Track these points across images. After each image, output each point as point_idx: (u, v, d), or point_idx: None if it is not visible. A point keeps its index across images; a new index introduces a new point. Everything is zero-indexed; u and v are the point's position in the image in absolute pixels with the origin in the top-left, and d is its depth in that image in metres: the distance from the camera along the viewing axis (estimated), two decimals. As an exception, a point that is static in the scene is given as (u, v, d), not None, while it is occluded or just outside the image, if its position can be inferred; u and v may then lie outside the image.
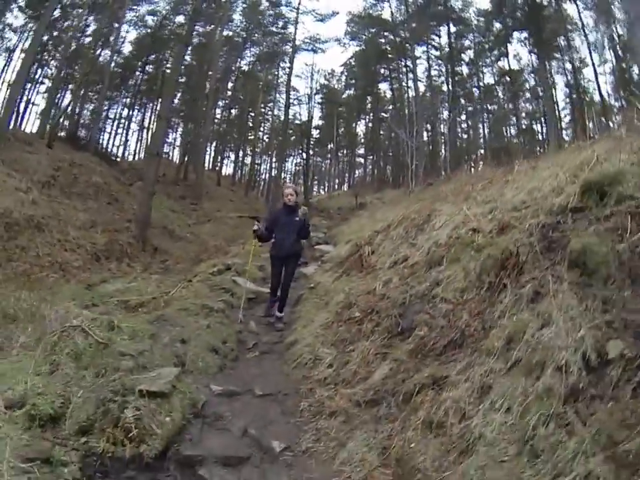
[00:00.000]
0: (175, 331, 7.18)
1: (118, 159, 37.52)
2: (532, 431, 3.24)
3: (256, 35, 46.55)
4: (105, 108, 40.58)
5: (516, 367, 3.90)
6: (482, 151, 48.98)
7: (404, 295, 6.57)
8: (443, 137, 51.08)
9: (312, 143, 56.98)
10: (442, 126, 52.23)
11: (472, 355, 4.57)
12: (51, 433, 4.09)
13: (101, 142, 38.22)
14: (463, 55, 48.45)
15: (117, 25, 37.18)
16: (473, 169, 36.80)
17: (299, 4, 44.74)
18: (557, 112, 41.19)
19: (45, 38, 31.14)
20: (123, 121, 46.04)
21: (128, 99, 45.20)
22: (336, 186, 73.54)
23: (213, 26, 40.18)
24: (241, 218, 26.11)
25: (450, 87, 47.20)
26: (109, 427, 4.26)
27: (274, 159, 58.42)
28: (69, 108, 33.90)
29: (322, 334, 7.41)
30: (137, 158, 45.56)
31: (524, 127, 47.82)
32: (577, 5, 34.96)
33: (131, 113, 46.44)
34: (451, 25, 45.45)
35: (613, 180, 5.13)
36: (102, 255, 15.88)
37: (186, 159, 42.60)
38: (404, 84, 49.76)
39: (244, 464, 4.49)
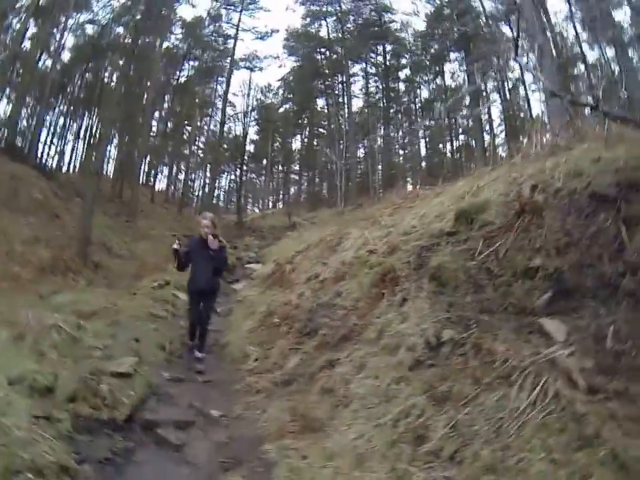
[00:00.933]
0: (129, 333, 9.07)
1: (54, 171, 35.74)
2: (388, 388, 5.08)
3: (196, 49, 47.15)
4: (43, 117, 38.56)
5: (382, 350, 5.83)
6: (419, 168, 50.33)
7: (312, 304, 8.58)
8: (379, 155, 51.40)
9: (246, 158, 57.03)
10: (379, 142, 52.19)
11: (356, 344, 6.54)
12: (47, 400, 5.60)
13: (38, 152, 36.70)
14: (399, 72, 49.86)
15: (56, 31, 36.05)
16: (410, 185, 37.90)
17: (239, 21, 45.78)
18: (491, 129, 42.66)
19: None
20: (58, 130, 42.89)
21: (65, 107, 42.89)
22: (270, 203, 72.40)
23: (152, 37, 39.79)
24: (175, 236, 26.34)
25: (385, 103, 48.72)
26: (89, 396, 5.95)
27: (207, 175, 57.67)
28: (8, 116, 32.16)
29: (249, 337, 9.55)
30: (72, 169, 43.54)
31: (461, 143, 48.70)
32: (511, 28, 36.90)
33: (67, 122, 44.01)
34: (387, 45, 47.15)
35: (480, 208, 6.86)
36: (48, 269, 16.44)
37: (121, 174, 41.48)
38: (340, 100, 50.75)
39: (191, 426, 6.14)
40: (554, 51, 32.55)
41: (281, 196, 71.51)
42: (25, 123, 35.45)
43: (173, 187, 57.75)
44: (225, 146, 54.98)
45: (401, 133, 52.40)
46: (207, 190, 54.60)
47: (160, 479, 5.09)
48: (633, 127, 6.13)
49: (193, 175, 60.54)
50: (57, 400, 5.80)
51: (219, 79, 50.67)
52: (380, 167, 51.33)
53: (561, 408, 3.74)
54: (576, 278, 4.99)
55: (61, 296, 12.29)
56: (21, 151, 31.27)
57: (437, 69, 46.11)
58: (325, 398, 5.90)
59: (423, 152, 52.63)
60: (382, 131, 48.51)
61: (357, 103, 53.58)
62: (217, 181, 55.90)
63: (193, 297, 9.08)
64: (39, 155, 36.62)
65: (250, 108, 54.95)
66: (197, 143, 57.10)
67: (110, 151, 47.10)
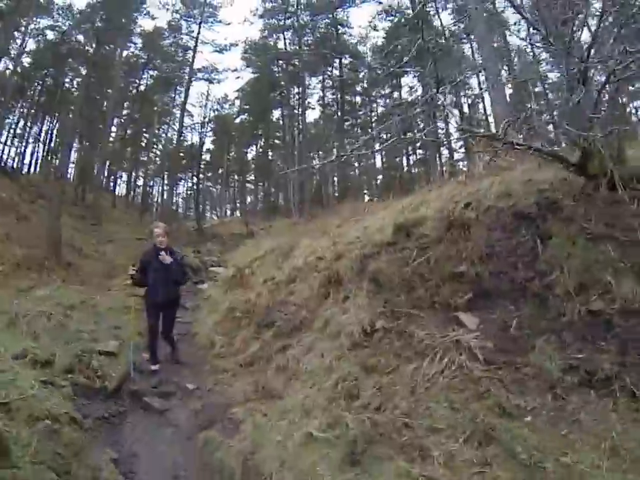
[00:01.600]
0: (109, 321, 10.65)
1: (15, 173, 35.95)
2: (330, 363, 6.38)
3: (155, 59, 47.23)
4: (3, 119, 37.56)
5: (327, 336, 7.20)
6: (374, 181, 50.65)
7: (269, 301, 9.95)
8: (335, 167, 49.37)
9: (203, 167, 57.56)
10: (334, 154, 50.45)
11: (305, 332, 7.96)
12: (48, 371, 6.86)
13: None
14: (356, 86, 50.50)
15: (17, 35, 36.04)
16: (366, 197, 38.36)
17: (198, 33, 46.28)
18: (449, 145, 42.75)
19: None
20: (18, 132, 42.76)
21: (25, 110, 42.68)
22: (227, 211, 74.21)
23: (112, 46, 40.60)
24: (139, 240, 27.33)
25: (340, 115, 48.58)
26: (84, 369, 7.32)
27: (165, 182, 57.62)
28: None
29: (215, 328, 10.79)
30: (32, 171, 42.98)
31: (419, 157, 48.65)
32: (471, 46, 37.60)
33: (28, 125, 43.79)
34: (344, 58, 47.59)
35: (417, 223, 8.16)
36: (23, 265, 16.79)
37: (83, 178, 41.29)
38: (296, 111, 50.72)
39: (171, 396, 7.47)
40: (508, 71, 33.71)
41: (237, 204, 72.49)
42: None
43: (132, 193, 58.36)
44: (182, 154, 55.33)
45: (356, 145, 51.35)
46: (165, 196, 54.75)
47: (149, 436, 6.37)
48: (544, 156, 7.15)
49: (152, 182, 61.02)
50: (56, 371, 7.14)
51: (178, 88, 50.93)
52: (335, 178, 51.41)
53: (463, 374, 5.15)
54: (493, 282, 6.27)
55: (39, 291, 13.06)
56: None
57: (394, 82, 46.62)
58: (280, 374, 7.26)
59: (379, 165, 53.15)
60: (336, 143, 47.66)
61: (313, 114, 54.99)
62: (175, 188, 56.51)
63: (151, 309, 8.67)
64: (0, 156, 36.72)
65: (207, 119, 55.79)
66: (154, 150, 57.52)
67: (71, 155, 46.79)
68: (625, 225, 5.75)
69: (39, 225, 22.43)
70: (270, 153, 61.65)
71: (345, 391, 5.71)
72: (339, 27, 46.23)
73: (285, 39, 47.55)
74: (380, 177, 52.84)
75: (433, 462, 4.37)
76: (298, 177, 40.71)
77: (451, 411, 4.90)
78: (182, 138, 51.81)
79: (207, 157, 62.91)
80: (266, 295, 10.68)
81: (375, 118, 49.84)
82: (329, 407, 5.57)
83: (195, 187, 55.55)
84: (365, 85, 50.44)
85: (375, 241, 8.76)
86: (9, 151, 40.50)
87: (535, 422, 4.52)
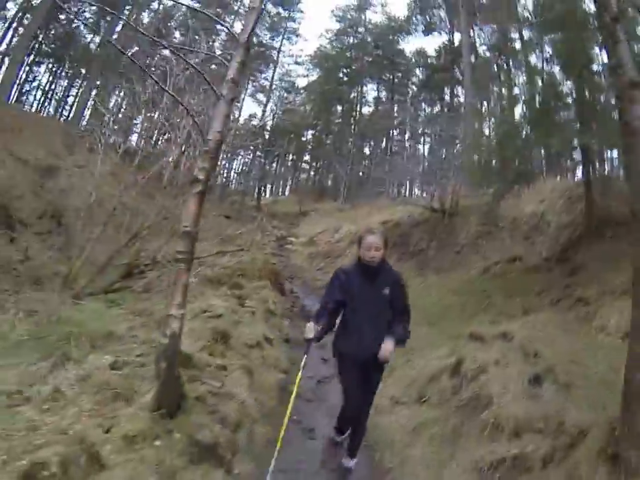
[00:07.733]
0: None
1: None
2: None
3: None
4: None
5: (348, 257, 23.54)
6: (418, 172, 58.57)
7: (327, 250, 28.90)
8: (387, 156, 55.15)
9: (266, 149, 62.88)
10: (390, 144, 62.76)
11: (340, 257, 25.93)
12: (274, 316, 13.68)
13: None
14: (407, 88, 62.84)
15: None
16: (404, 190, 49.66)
17: (281, 45, 60.68)
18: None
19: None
20: None
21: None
22: (280, 188, 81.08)
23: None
24: (228, 218, 34.99)
25: (392, 112, 60.87)
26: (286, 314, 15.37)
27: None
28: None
29: (303, 261, 28.15)
30: None
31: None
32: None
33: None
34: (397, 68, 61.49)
35: (389, 221, 25.76)
36: None
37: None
38: (353, 107, 63.83)
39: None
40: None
41: (289, 182, 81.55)
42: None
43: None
44: (242, 132, 61.70)
45: (406, 138, 63.47)
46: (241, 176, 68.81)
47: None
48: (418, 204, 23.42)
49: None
50: (277, 316, 13.43)
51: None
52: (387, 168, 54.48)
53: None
54: (399, 243, 22.68)
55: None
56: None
57: (442, 89, 57.81)
58: (330, 267, 22.35)
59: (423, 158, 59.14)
60: (387, 139, 61.28)
61: (368, 110, 67.50)
62: (232, 163, 65.99)
63: (347, 364, 5.67)
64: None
65: (276, 114, 64.81)
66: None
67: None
68: (441, 229, 21.72)
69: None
70: (325, 137, 71.06)
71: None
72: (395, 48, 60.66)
73: (351, 52, 62.22)
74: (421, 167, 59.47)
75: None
76: (348, 166, 52.66)
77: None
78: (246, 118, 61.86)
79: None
80: (326, 247, 26.50)
81: (424, 117, 61.20)
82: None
83: (259, 167, 65.90)
84: (415, 89, 63.12)
85: (373, 226, 22.52)
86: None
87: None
